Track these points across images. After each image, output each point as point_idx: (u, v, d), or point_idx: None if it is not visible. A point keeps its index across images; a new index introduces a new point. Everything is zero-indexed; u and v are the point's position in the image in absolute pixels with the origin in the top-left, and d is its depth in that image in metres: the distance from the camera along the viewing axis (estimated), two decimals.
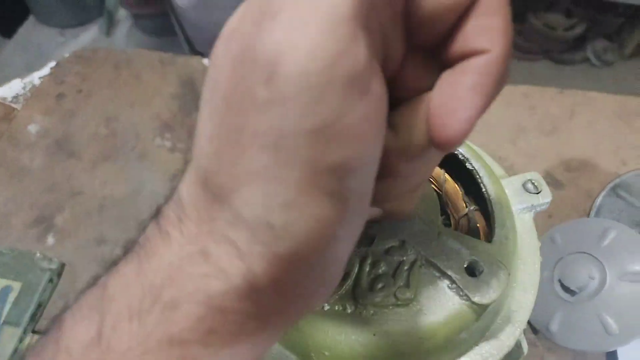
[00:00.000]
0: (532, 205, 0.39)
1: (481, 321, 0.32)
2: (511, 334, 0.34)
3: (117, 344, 0.18)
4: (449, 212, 0.39)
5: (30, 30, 2.74)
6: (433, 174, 0.40)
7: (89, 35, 2.60)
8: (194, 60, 0.85)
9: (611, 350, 0.54)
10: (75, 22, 2.61)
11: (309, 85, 0.15)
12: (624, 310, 0.52)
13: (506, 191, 0.39)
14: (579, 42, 2.21)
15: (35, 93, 0.84)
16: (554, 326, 0.56)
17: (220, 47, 0.18)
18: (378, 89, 0.17)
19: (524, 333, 0.37)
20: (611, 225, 0.57)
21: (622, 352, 0.55)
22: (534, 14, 2.21)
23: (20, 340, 0.61)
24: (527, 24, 2.24)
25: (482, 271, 0.31)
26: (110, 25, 2.60)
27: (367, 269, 0.32)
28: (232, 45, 0.17)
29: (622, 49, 2.18)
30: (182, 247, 0.19)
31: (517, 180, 0.40)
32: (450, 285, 0.32)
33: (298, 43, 0.15)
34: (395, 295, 0.31)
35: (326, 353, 0.31)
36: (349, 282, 0.31)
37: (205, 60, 0.85)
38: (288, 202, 0.17)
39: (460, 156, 0.39)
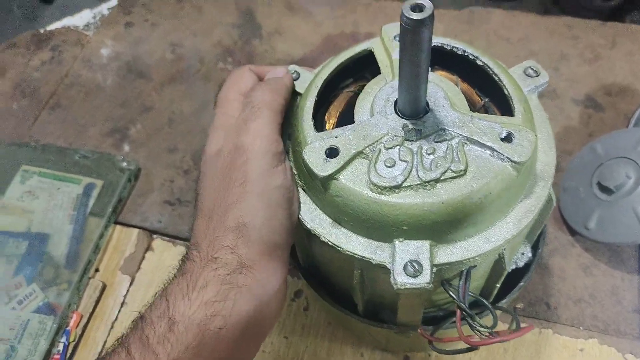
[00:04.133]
0: (535, 86, 0.45)
1: (521, 177, 0.38)
2: (544, 186, 0.41)
3: (178, 309, 0.36)
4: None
5: None
6: (448, 79, 0.46)
7: None
8: None
9: None
10: None
11: (261, 155, 0.39)
12: None
13: None
14: (616, 14, 2.19)
15: (104, 21, 0.90)
16: (592, 224, 0.60)
17: (218, 154, 0.41)
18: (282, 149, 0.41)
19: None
20: None
21: None
22: None
23: (105, 227, 0.68)
24: None
25: (515, 137, 0.38)
26: None
27: (424, 155, 0.38)
28: (227, 145, 0.40)
29: None
30: (201, 261, 0.37)
31: (518, 69, 0.46)
32: (492, 154, 0.38)
33: (255, 142, 0.39)
34: (451, 170, 0.37)
35: (405, 228, 0.37)
36: (413, 169, 0.37)
37: None
38: (251, 207, 0.38)
39: (470, 56, 0.44)
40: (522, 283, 0.50)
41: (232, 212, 0.38)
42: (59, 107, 0.81)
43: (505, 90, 0.42)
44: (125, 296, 0.65)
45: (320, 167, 0.38)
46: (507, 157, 0.37)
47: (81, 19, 0.91)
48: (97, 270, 0.67)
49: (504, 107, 0.44)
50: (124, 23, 0.90)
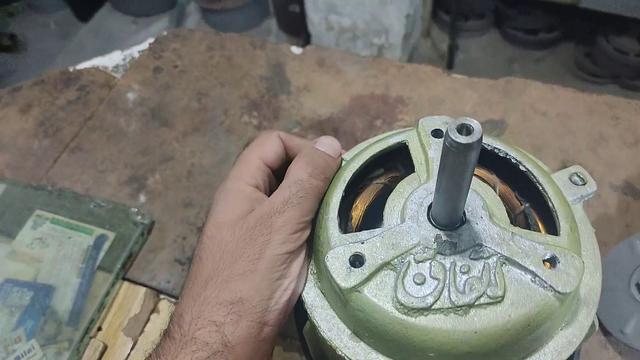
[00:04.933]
0: (581, 195, 0.41)
1: (564, 307, 0.35)
2: (588, 314, 0.37)
3: None
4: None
5: (105, 16, 2.90)
6: (486, 179, 0.43)
7: (160, 25, 2.73)
8: (283, 46, 0.89)
9: None
10: (148, 11, 2.74)
11: (285, 240, 0.38)
12: None
13: None
14: None
15: (134, 65, 0.90)
16: (629, 329, 0.56)
17: (235, 227, 0.39)
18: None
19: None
20: None
21: None
22: (605, 36, 2.17)
23: (112, 284, 0.66)
24: (596, 47, 2.20)
25: (559, 262, 0.34)
26: (181, 18, 2.73)
27: (458, 274, 0.35)
28: (254, 217, 0.39)
29: None
30: (181, 339, 0.35)
31: (563, 174, 0.42)
32: (533, 279, 0.34)
33: (285, 227, 0.38)
34: (487, 295, 0.34)
35: (431, 355, 0.34)
36: (445, 289, 0.34)
37: (293, 48, 0.89)
38: (255, 285, 0.36)
39: (513, 160, 0.41)
40: None
41: (232, 284, 0.36)
42: (80, 150, 0.80)
43: (549, 203, 0.39)
44: None
45: (343, 277, 0.35)
46: (551, 286, 0.34)
47: (111, 59, 0.91)
48: (99, 329, 0.64)
49: (546, 214, 0.40)
50: (153, 68, 0.89)
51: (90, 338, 0.63)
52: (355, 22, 2.06)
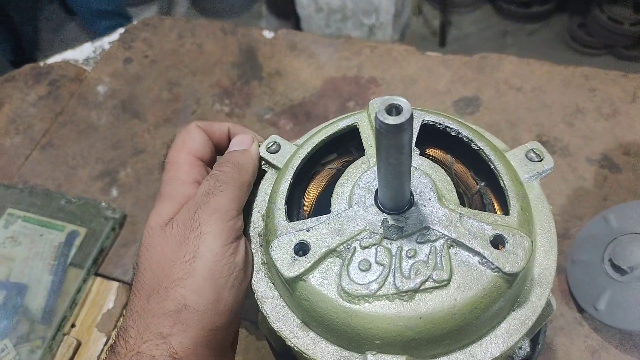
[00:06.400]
0: (537, 172, 0.40)
1: (513, 288, 0.34)
2: (541, 294, 0.36)
3: None
4: (461, 191, 0.40)
5: None
6: (441, 159, 0.41)
7: (149, 13, 2.70)
8: (254, 30, 0.88)
9: None
10: (137, 0, 2.71)
11: (217, 231, 0.36)
12: None
13: (512, 163, 0.40)
14: None
15: (104, 57, 0.88)
16: (602, 305, 0.55)
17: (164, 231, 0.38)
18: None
19: (552, 295, 0.39)
20: None
21: None
22: (599, 6, 2.12)
23: (84, 280, 0.65)
24: (590, 17, 2.15)
25: (507, 243, 0.33)
26: (170, 5, 2.70)
27: (404, 258, 0.34)
28: (182, 217, 0.38)
29: None
30: (126, 354, 0.34)
31: (519, 151, 0.41)
32: (480, 261, 0.33)
33: (212, 218, 0.36)
34: (433, 279, 0.33)
35: (377, 342, 0.33)
36: (390, 275, 0.33)
37: (265, 32, 0.88)
38: (197, 287, 0.35)
39: (464, 139, 0.40)
40: None
41: (174, 291, 0.35)
42: (51, 147, 0.79)
43: (501, 181, 0.37)
44: (99, 356, 0.61)
45: (287, 266, 0.34)
46: (497, 267, 0.33)
47: (81, 52, 0.90)
48: (73, 325, 0.63)
49: (501, 193, 0.39)
50: (124, 59, 0.88)
51: (64, 335, 0.62)
52: (344, 1, 2.03)
